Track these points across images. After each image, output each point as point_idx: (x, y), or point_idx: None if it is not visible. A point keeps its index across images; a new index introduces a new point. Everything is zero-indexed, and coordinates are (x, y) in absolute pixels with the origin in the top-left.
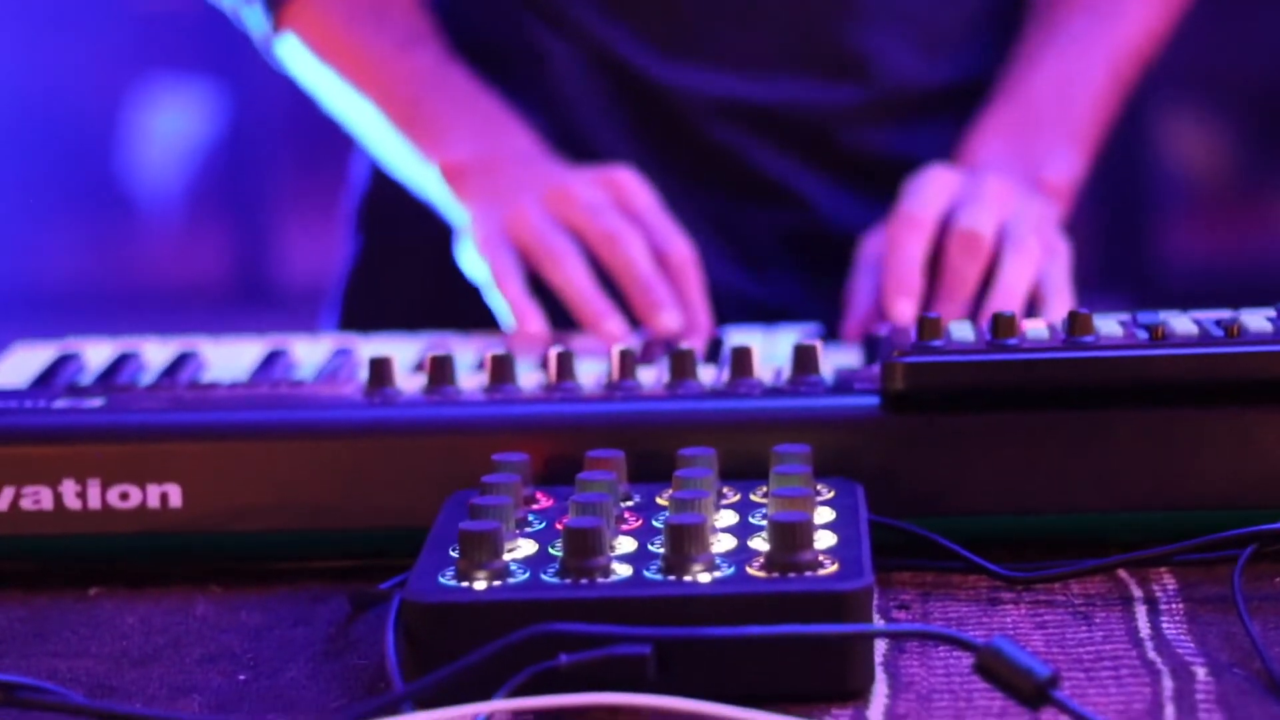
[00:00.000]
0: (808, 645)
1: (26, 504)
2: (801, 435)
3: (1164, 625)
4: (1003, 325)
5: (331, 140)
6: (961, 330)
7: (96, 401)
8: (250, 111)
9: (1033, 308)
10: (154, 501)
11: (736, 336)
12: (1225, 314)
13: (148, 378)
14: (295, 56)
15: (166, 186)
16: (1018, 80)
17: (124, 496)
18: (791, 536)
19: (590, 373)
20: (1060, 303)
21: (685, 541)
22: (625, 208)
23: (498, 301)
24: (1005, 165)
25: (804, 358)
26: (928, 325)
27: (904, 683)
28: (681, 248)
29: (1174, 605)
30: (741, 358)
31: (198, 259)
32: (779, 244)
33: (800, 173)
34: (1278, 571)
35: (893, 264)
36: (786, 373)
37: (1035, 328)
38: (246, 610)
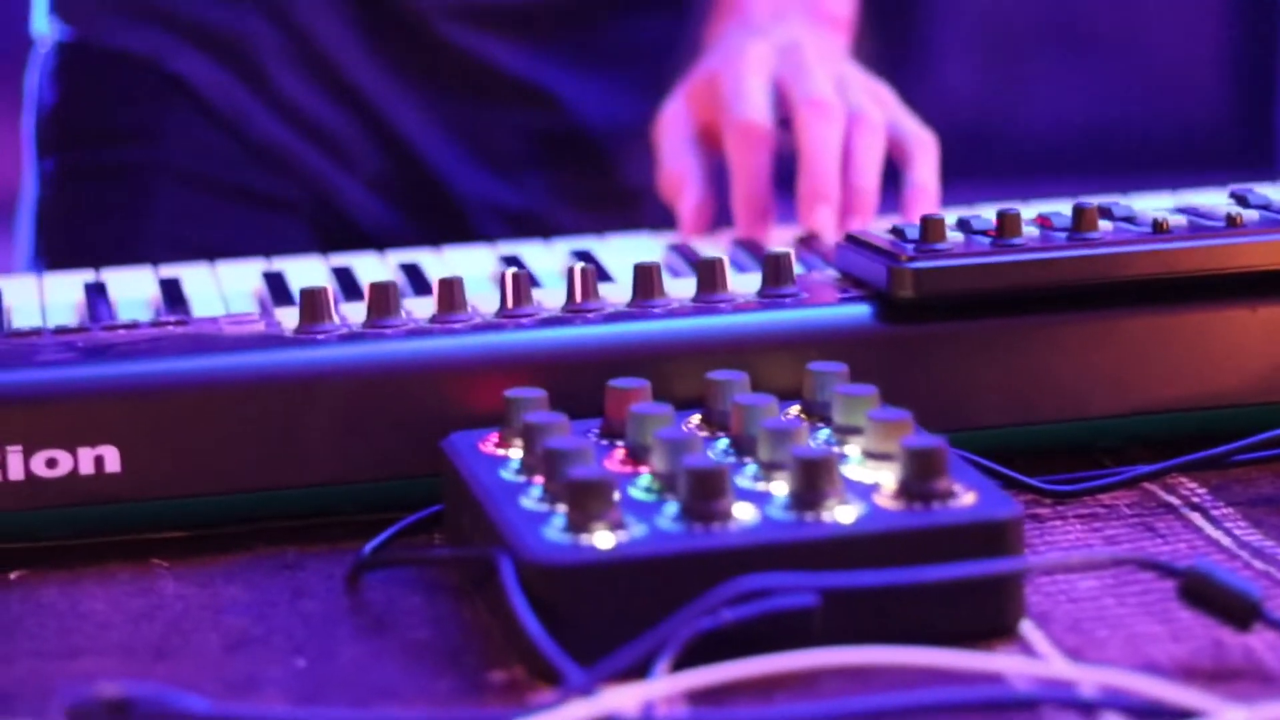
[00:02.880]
0: (968, 582)
1: None
2: (805, 352)
3: (1234, 530)
4: (1008, 223)
5: None
6: (951, 230)
7: None
8: None
9: (896, 164)
10: (87, 467)
11: (594, 249)
12: (1183, 200)
13: (7, 322)
14: None
15: None
16: None
17: (51, 464)
18: (929, 463)
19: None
20: (923, 147)
21: (819, 476)
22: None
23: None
24: (778, 5)
25: (779, 267)
26: (931, 227)
27: (1039, 614)
28: None
29: (1221, 509)
30: (710, 270)
31: None
32: (528, 146)
33: (542, 68)
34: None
35: (742, 187)
36: (746, 284)
37: (1028, 225)
38: (222, 584)
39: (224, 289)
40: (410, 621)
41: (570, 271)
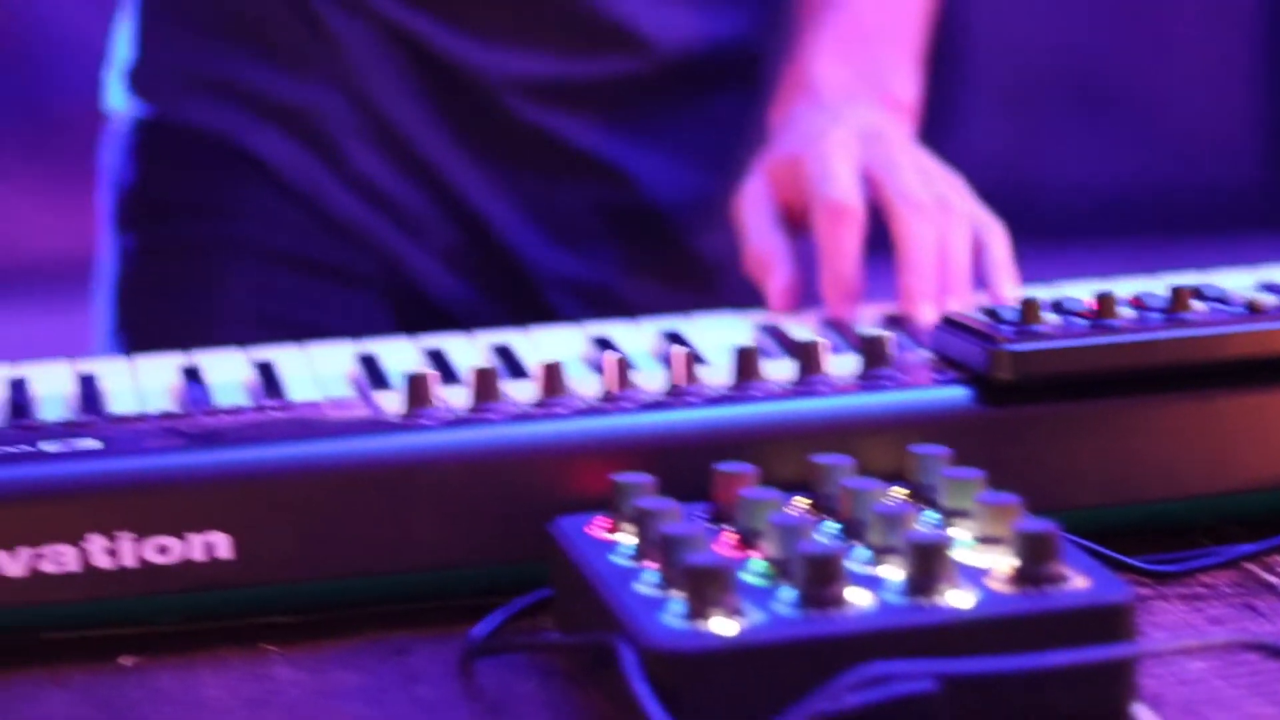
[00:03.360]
0: (1082, 666)
1: (47, 566)
2: (906, 434)
3: None
4: (1105, 305)
5: None
6: (1048, 311)
7: (91, 441)
8: None
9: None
10: (199, 554)
11: (683, 329)
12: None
13: (109, 408)
14: None
15: None
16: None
17: (163, 550)
18: (1042, 548)
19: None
20: (996, 240)
21: (934, 561)
22: None
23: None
24: (848, 87)
25: (876, 349)
26: (1028, 309)
27: (1152, 696)
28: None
29: None
30: (809, 353)
31: None
32: (597, 219)
33: (612, 143)
34: None
35: (832, 266)
36: (854, 366)
37: (1122, 305)
38: (335, 670)
39: (317, 371)
40: (526, 708)
41: (669, 355)
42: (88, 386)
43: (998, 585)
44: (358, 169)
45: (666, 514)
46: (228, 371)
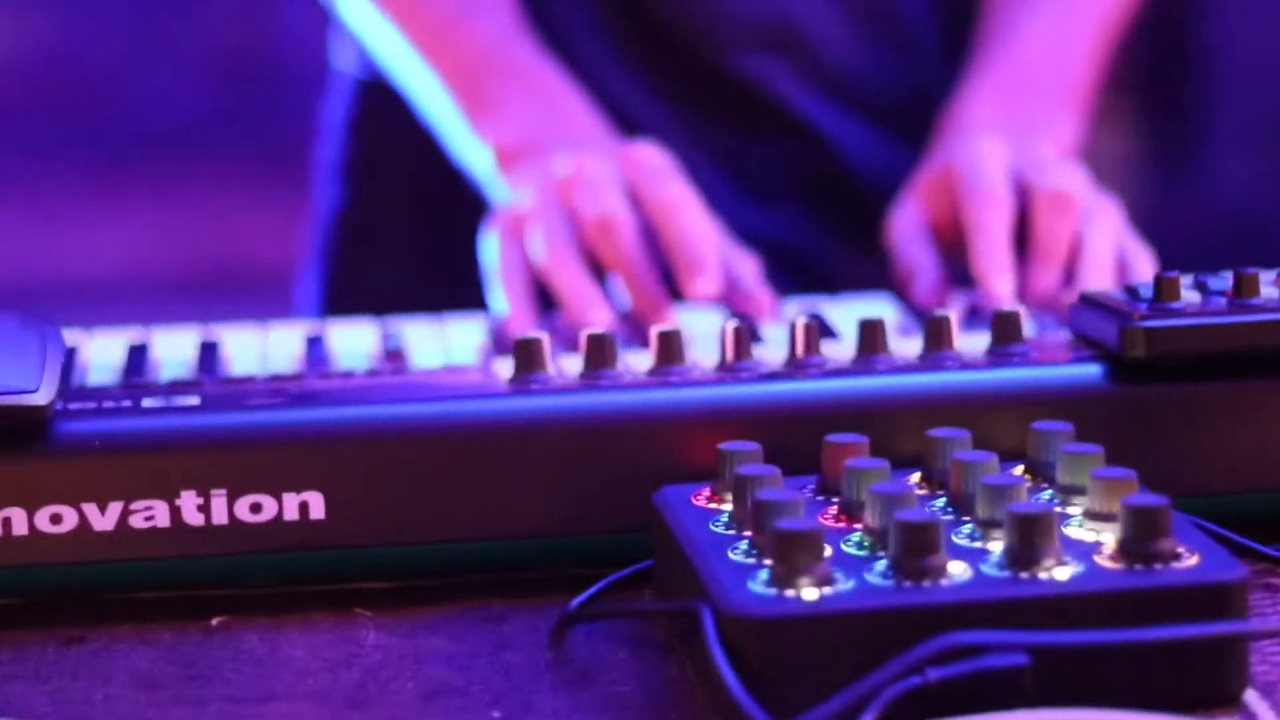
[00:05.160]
0: (1188, 646)
1: (138, 521)
2: (1034, 410)
3: None
4: (1245, 283)
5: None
6: (1187, 289)
7: (192, 399)
8: None
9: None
10: (292, 513)
11: (803, 307)
12: None
13: (224, 370)
14: (359, 13)
15: None
16: (1005, 40)
17: (255, 509)
18: (1151, 522)
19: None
20: (1141, 261)
21: (1036, 533)
22: (633, 188)
23: (495, 291)
24: (1001, 133)
25: (1006, 325)
26: (1164, 285)
27: (1264, 684)
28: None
29: None
30: (938, 328)
31: None
32: (788, 179)
33: (817, 104)
34: None
35: (984, 244)
36: (983, 343)
37: (1267, 285)
38: (425, 635)
39: (448, 342)
40: (614, 676)
41: (793, 326)
42: (208, 350)
43: (1104, 561)
44: None
45: (765, 480)
46: (356, 340)
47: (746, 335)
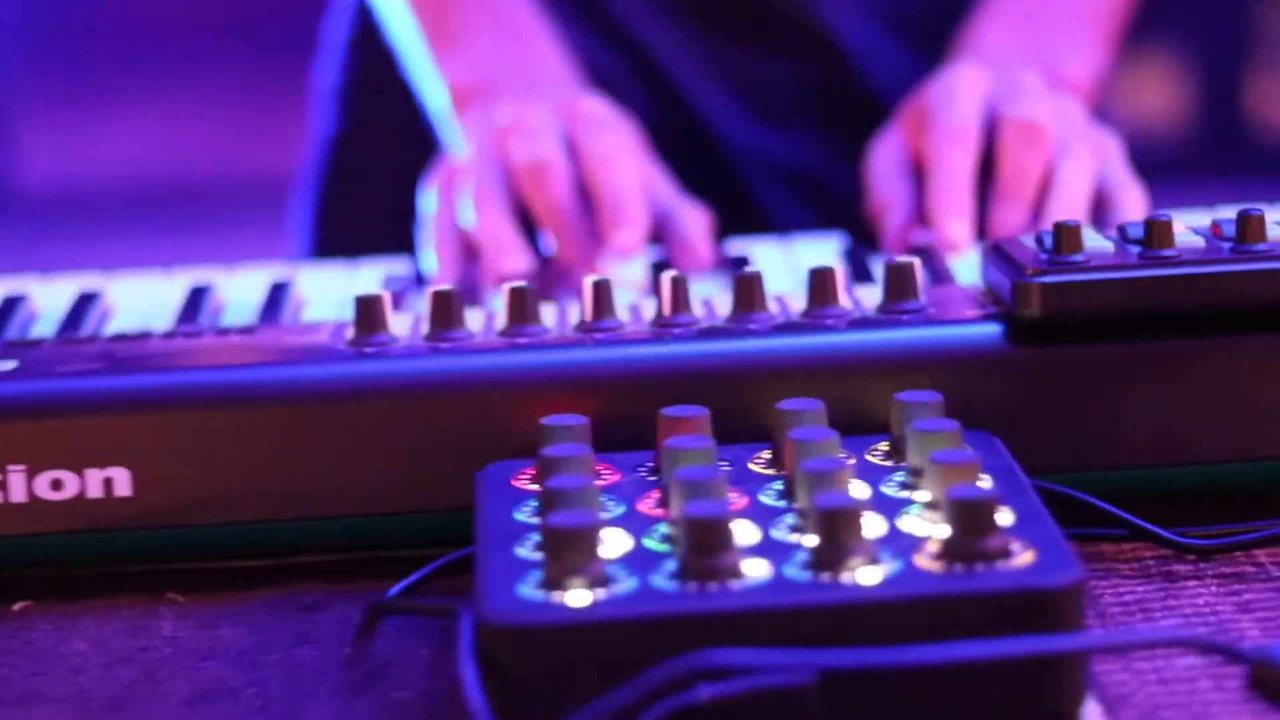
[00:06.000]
0: (1002, 661)
1: None
2: (915, 376)
3: None
4: (1156, 232)
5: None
6: (1095, 239)
7: (9, 363)
8: None
9: (1097, 212)
10: (95, 490)
11: (754, 251)
12: None
13: (50, 328)
14: None
15: None
16: None
17: (56, 485)
18: (976, 517)
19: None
20: (1130, 200)
21: (840, 529)
22: (571, 138)
23: (426, 247)
24: (1015, 59)
25: (900, 278)
26: (1065, 235)
27: (1116, 696)
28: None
29: None
30: (822, 280)
31: None
32: (806, 99)
33: (827, 12)
34: None
35: (940, 182)
36: (875, 297)
37: (1186, 233)
38: (227, 625)
39: (345, 292)
40: (404, 679)
41: (658, 282)
42: (84, 303)
43: (924, 561)
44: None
45: (570, 463)
46: (244, 289)
47: (609, 293)
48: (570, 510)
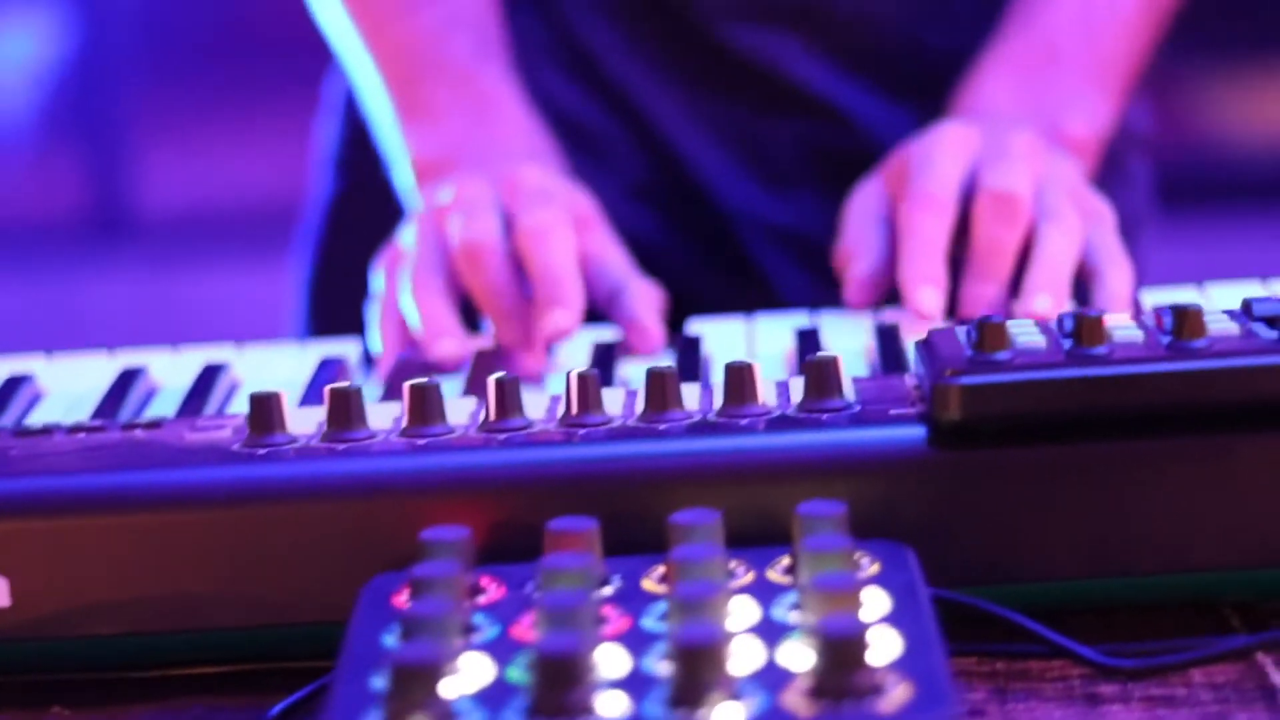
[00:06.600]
0: None
1: None
2: (827, 482)
3: None
4: (1086, 329)
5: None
6: (1027, 333)
7: None
8: (104, 30)
9: (1081, 286)
10: None
11: (710, 332)
12: None
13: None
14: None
15: (14, 114)
16: (1029, 8)
17: None
18: (844, 652)
19: (538, 401)
20: (1117, 274)
21: (699, 666)
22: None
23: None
24: (1017, 112)
25: (821, 375)
26: (989, 331)
27: None
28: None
29: None
30: (739, 377)
31: (53, 191)
32: (806, 161)
33: (833, 79)
34: None
35: (912, 249)
36: (797, 394)
37: (1123, 327)
38: None
39: (278, 375)
40: None
41: (567, 380)
42: (7, 388)
43: (792, 698)
44: (545, 89)
45: (436, 584)
46: (179, 373)
47: (516, 391)
48: (420, 640)
